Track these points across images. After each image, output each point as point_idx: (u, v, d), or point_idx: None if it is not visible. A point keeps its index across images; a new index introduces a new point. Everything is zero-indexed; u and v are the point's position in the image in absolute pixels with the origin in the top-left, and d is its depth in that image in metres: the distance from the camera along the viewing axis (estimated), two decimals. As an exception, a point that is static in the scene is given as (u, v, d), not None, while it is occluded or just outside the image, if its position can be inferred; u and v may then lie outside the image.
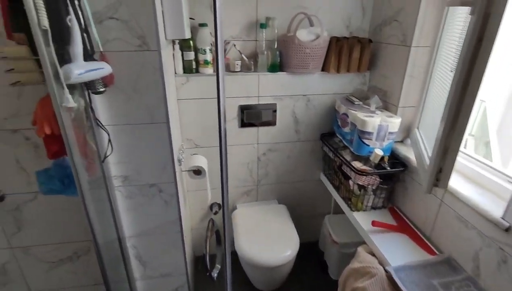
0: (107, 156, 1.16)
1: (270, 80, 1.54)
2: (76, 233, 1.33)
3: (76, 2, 0.86)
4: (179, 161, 1.37)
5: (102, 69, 0.92)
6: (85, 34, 0.89)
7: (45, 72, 0.77)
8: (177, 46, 1.42)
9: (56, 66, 0.79)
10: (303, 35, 1.44)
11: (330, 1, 1.50)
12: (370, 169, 1.33)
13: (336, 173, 1.57)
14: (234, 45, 1.49)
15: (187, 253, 1.55)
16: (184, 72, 1.48)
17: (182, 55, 1.45)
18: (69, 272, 1.44)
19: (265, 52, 1.49)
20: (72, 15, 0.81)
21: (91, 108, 1.06)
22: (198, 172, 1.48)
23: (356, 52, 1.51)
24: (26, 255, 1.36)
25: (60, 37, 0.81)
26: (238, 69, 1.51)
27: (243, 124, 1.61)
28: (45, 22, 0.74)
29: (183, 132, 1.59)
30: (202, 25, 1.40)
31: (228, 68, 1.52)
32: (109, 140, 1.14)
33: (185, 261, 1.48)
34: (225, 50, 1.49)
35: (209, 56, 1.45)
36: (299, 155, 1.77)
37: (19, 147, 1.14)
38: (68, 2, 0.81)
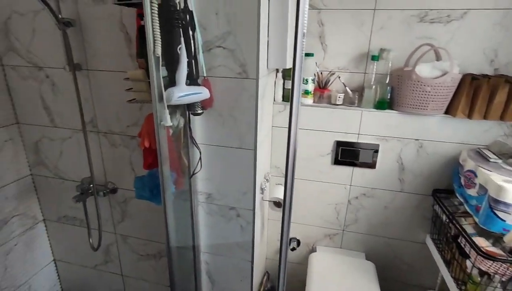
0: (196, 172, 1.23)
1: (375, 118, 1.36)
2: (162, 235, 1.46)
3: (190, 33, 0.95)
4: (262, 189, 1.34)
5: (200, 94, 0.98)
6: (193, 61, 0.98)
7: (152, 93, 0.87)
8: (280, 74, 1.43)
9: (161, 89, 0.88)
10: (425, 70, 1.21)
11: (469, 29, 1.23)
12: (501, 252, 0.98)
13: (449, 243, 1.23)
14: (339, 77, 1.39)
15: (255, 282, 1.49)
16: (283, 100, 1.46)
17: (284, 83, 1.44)
18: (151, 268, 1.59)
19: (373, 87, 1.33)
20: (182, 45, 0.90)
21: (189, 127, 1.15)
22: (279, 204, 1.41)
23: (501, 95, 1.18)
24: (124, 242, 1.57)
25: (170, 63, 0.91)
26: (340, 103, 1.39)
27: (337, 161, 1.47)
28: (158, 51, 0.83)
29: (273, 159, 1.56)
30: (307, 55, 1.37)
31: (329, 100, 1.42)
32: (200, 158, 1.21)
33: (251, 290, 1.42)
34: (328, 82, 1.40)
35: (310, 87, 1.39)
36: (400, 208, 1.48)
37: (134, 151, 1.34)
38: (182, 33, 0.90)
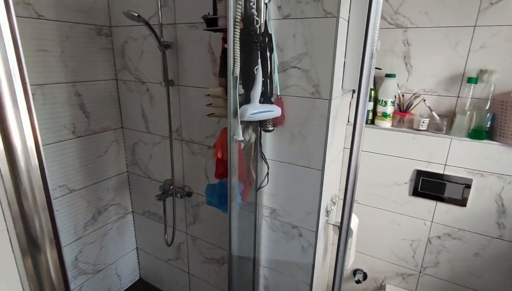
0: (262, 186, 1.27)
1: (468, 148, 1.19)
2: (226, 242, 1.53)
3: (268, 54, 1.01)
4: (327, 212, 1.29)
5: (272, 111, 1.02)
6: (268, 80, 1.03)
7: (228, 109, 0.95)
8: (356, 95, 1.37)
9: (237, 106, 0.95)
10: (539, 96, 1.01)
11: None
12: None
13: None
14: (424, 100, 1.26)
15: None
16: (358, 121, 1.40)
17: (360, 104, 1.38)
18: (214, 272, 1.67)
19: (468, 113, 1.16)
20: (259, 66, 0.95)
21: (260, 142, 1.20)
22: (344, 229, 1.34)
23: None
24: (193, 243, 1.70)
25: (246, 82, 0.97)
26: (424, 128, 1.26)
27: (416, 192, 1.32)
28: (237, 71, 0.91)
29: (342, 182, 1.49)
30: (389, 76, 1.29)
31: (411, 125, 1.30)
32: (268, 173, 1.24)
33: (307, 318, 1.36)
34: (410, 105, 1.29)
35: (389, 109, 1.30)
36: (495, 257, 1.24)
37: (209, 160, 1.46)
38: (259, 55, 0.96)
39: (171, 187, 1.56)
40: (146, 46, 1.46)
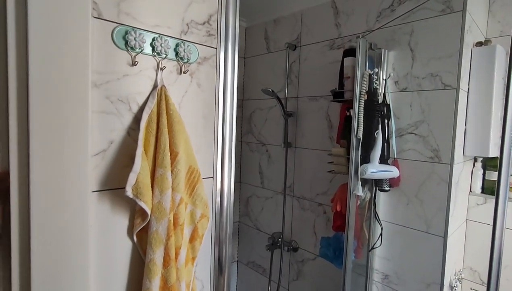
0: (375, 247, 1.27)
1: None
2: (330, 305, 1.50)
3: (386, 121, 1.14)
4: (452, 287, 1.18)
5: (390, 172, 1.10)
6: (385, 144, 1.14)
7: (350, 167, 1.08)
8: (478, 164, 1.32)
9: (358, 164, 1.07)
10: None
11: None
12: None
13: None
14: None
15: None
16: (483, 192, 1.32)
17: (484, 173, 1.31)
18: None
19: None
20: (379, 130, 1.08)
21: (374, 202, 1.25)
22: (474, 312, 1.17)
23: None
24: (293, 302, 1.70)
25: (366, 144, 1.10)
26: None
27: None
28: (360, 134, 1.05)
29: (466, 259, 1.35)
30: (520, 145, 1.22)
31: (556, 199, 1.15)
32: (381, 234, 1.25)
33: None
34: (553, 176, 1.16)
35: (524, 180, 1.20)
36: None
37: (318, 217, 1.55)
38: (380, 121, 1.09)
39: (279, 239, 1.68)
40: (270, 115, 1.78)
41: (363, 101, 1.05)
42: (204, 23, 0.64)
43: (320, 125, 1.51)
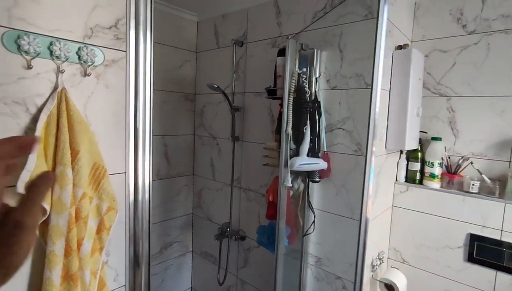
0: (308, 233, 1.37)
1: (525, 214, 1.15)
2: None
3: (317, 117, 1.23)
4: (373, 266, 1.31)
5: (317, 164, 1.19)
6: (316, 138, 1.23)
7: (280, 160, 1.15)
8: (404, 155, 1.47)
9: (288, 157, 1.15)
10: None
11: None
12: None
13: None
14: (472, 163, 1.29)
15: None
16: (406, 181, 1.46)
17: (407, 164, 1.46)
18: (259, 320, 1.70)
19: (520, 178, 1.16)
20: (307, 126, 1.17)
21: (308, 192, 1.35)
22: (390, 287, 1.31)
23: None
24: (242, 287, 1.79)
25: (297, 139, 1.18)
26: (475, 191, 1.27)
27: (472, 259, 1.27)
28: (289, 130, 1.13)
29: (391, 241, 1.50)
30: (435, 139, 1.37)
31: (461, 187, 1.32)
32: (314, 221, 1.36)
33: None
34: (459, 167, 1.32)
35: (437, 170, 1.35)
36: None
37: (262, 207, 1.64)
38: (309, 117, 1.18)
39: (228, 229, 1.75)
40: (220, 110, 1.82)
41: (292, 99, 1.13)
42: (111, 27, 0.67)
43: (264, 120, 1.58)
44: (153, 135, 0.72)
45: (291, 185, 1.14)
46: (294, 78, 1.12)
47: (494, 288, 1.23)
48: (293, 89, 1.12)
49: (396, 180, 1.49)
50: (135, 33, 0.66)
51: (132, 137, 0.67)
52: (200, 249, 2.05)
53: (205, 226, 1.99)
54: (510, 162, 1.24)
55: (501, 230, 1.21)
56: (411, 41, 1.47)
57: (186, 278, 2.11)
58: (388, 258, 1.51)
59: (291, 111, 1.12)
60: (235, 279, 1.82)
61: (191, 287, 2.14)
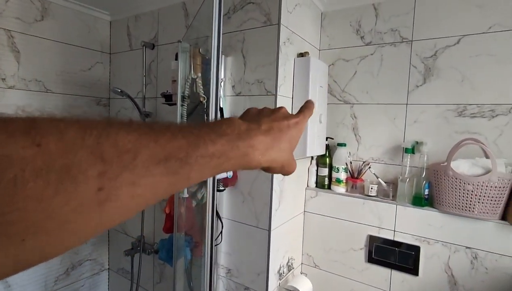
0: (217, 244, 1.32)
1: (413, 215, 1.23)
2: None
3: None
4: (280, 274, 1.30)
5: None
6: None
7: (175, 169, 1.09)
8: (314, 161, 1.49)
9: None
10: (463, 166, 1.09)
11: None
12: None
13: None
14: (369, 167, 1.35)
15: None
16: (317, 186, 1.49)
17: (317, 170, 1.49)
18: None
19: (408, 180, 1.24)
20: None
21: (213, 201, 1.30)
22: (296, 295, 1.32)
23: None
24: (158, 305, 1.68)
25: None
26: (373, 194, 1.33)
27: (371, 259, 1.32)
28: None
29: (305, 246, 1.51)
30: (340, 145, 1.41)
31: (362, 191, 1.37)
32: (221, 231, 1.31)
33: None
34: (361, 171, 1.38)
35: (342, 175, 1.39)
36: (459, 337, 1.16)
37: (162, 214, 1.55)
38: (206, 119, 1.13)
39: (140, 242, 1.63)
40: (134, 115, 1.71)
41: (186, 105, 1.07)
42: None
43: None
44: None
45: (186, 196, 1.08)
46: (188, 84, 1.07)
47: (390, 286, 1.29)
48: (187, 94, 1.07)
49: (307, 186, 1.51)
50: None
51: None
52: (117, 265, 1.89)
53: (121, 240, 1.84)
54: (401, 166, 1.32)
55: (394, 231, 1.27)
56: (319, 50, 1.51)
57: (100, 299, 1.93)
58: (302, 263, 1.51)
59: (185, 118, 1.07)
60: (152, 296, 1.70)
61: (107, 308, 1.96)
